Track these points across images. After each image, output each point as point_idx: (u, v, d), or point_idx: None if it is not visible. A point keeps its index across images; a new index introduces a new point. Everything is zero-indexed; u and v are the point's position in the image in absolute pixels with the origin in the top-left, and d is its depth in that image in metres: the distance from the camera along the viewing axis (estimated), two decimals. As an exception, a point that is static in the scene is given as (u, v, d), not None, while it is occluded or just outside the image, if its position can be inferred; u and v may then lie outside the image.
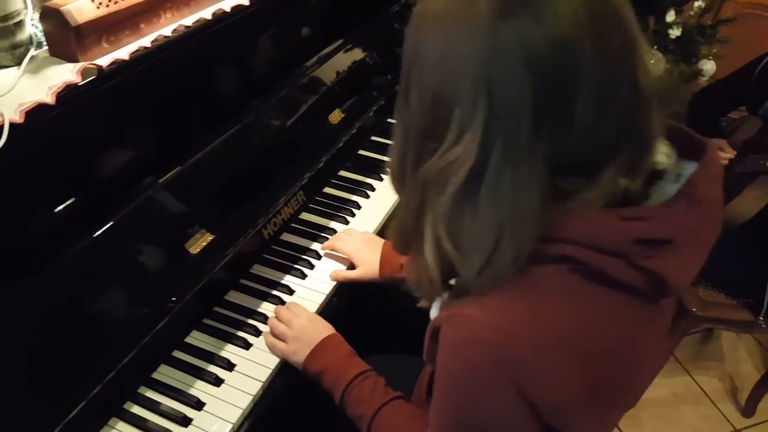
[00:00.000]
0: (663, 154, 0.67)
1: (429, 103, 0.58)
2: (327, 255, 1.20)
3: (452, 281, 0.67)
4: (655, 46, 2.00)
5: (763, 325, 1.60)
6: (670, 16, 1.96)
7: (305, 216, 1.29)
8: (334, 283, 1.14)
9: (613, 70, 0.55)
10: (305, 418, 1.05)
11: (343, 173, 1.40)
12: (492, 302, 0.61)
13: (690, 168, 0.66)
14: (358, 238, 1.18)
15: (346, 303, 1.16)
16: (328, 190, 1.36)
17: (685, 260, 0.62)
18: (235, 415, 0.92)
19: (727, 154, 1.57)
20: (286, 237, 1.23)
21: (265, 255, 1.18)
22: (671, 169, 0.66)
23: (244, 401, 0.94)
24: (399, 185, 0.67)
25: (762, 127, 1.50)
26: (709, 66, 2.14)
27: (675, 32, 2.02)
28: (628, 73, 0.57)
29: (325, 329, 1.01)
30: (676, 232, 0.60)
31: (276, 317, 1.04)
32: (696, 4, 2.13)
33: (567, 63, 0.53)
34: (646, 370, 0.75)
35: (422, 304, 0.75)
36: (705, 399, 1.98)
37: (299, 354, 0.97)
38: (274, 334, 1.02)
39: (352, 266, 1.16)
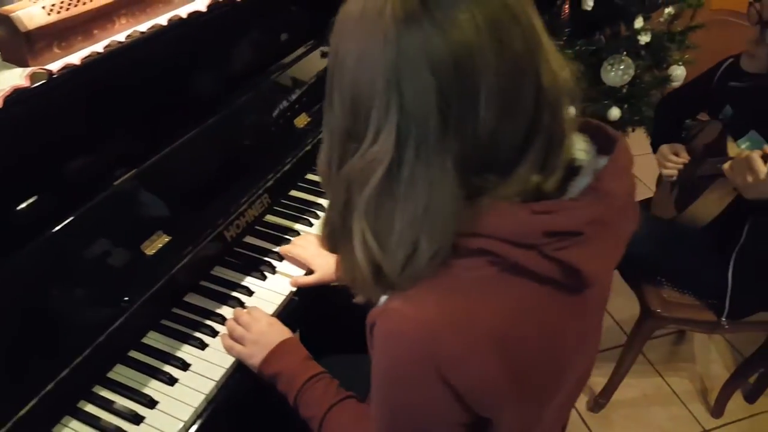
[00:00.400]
0: (582, 151, 0.71)
1: (348, 104, 0.61)
2: (288, 257, 1.22)
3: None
4: (625, 52, 2.03)
5: (726, 326, 1.62)
6: (638, 23, 2.00)
7: (270, 218, 1.30)
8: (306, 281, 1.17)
9: (515, 74, 0.58)
10: (259, 417, 1.07)
11: (309, 176, 1.42)
12: (416, 296, 0.64)
13: (603, 163, 0.69)
14: (314, 242, 1.20)
15: (308, 301, 1.18)
16: (294, 192, 1.38)
17: (595, 251, 0.65)
18: (187, 413, 0.94)
19: (680, 159, 1.60)
20: (250, 239, 1.25)
21: (227, 257, 1.20)
22: (588, 164, 0.69)
23: (197, 400, 0.96)
24: (327, 185, 0.69)
25: (721, 131, 1.53)
26: (679, 71, 2.18)
27: (644, 38, 2.06)
28: (531, 76, 0.59)
29: (283, 333, 1.02)
30: (584, 225, 0.62)
31: (235, 320, 1.05)
32: (666, 11, 2.17)
33: (468, 67, 0.56)
34: (576, 360, 0.76)
35: (358, 300, 0.77)
36: (675, 399, 2.00)
37: (256, 357, 0.99)
38: (232, 336, 1.03)
39: (311, 271, 1.19)
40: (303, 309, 1.17)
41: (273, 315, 1.11)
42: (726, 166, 1.34)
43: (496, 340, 0.62)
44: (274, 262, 1.21)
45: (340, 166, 0.64)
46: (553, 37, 1.88)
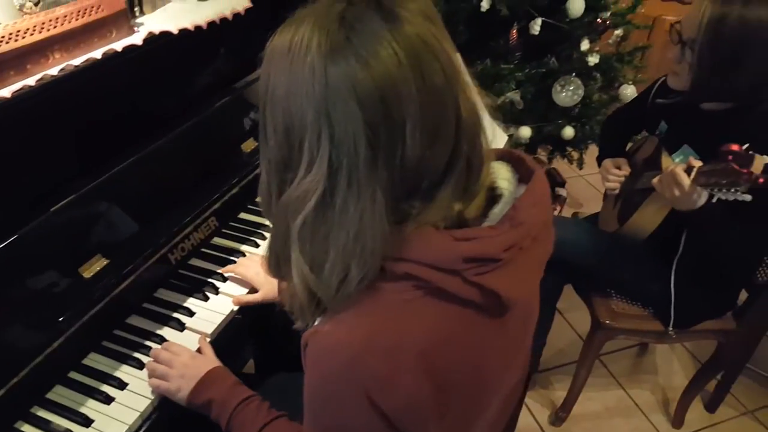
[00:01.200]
0: (505, 180, 0.75)
1: (282, 135, 0.64)
2: (231, 278, 1.26)
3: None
4: (574, 74, 2.11)
5: (674, 336, 1.66)
6: (585, 45, 2.07)
7: (217, 240, 1.35)
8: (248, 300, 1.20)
9: (437, 104, 0.61)
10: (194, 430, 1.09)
11: (258, 198, 1.47)
12: (346, 318, 0.66)
13: (522, 192, 0.73)
14: (258, 261, 1.24)
15: (250, 320, 1.21)
16: (242, 215, 1.43)
17: (513, 276, 0.68)
18: (121, 430, 0.97)
19: (621, 172, 1.65)
20: (195, 261, 1.29)
21: (171, 279, 1.24)
22: (509, 193, 0.73)
23: (131, 417, 0.99)
24: (268, 213, 0.72)
25: (657, 146, 1.58)
26: (628, 90, 2.25)
27: (593, 59, 2.13)
28: (451, 106, 0.63)
29: (208, 363, 1.03)
30: (501, 251, 0.66)
31: (155, 359, 1.06)
32: (615, 32, 2.25)
33: (393, 99, 0.59)
34: (502, 377, 0.80)
35: (298, 325, 0.77)
36: (637, 411, 2.03)
37: (183, 390, 0.99)
38: (154, 375, 1.03)
39: (255, 290, 1.22)
40: (247, 328, 1.21)
41: (213, 333, 1.14)
42: (655, 180, 1.39)
43: (421, 361, 0.65)
44: (218, 283, 1.24)
45: (279, 194, 0.67)
46: (504, 61, 1.95)
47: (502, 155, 0.77)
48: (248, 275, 1.23)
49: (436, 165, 0.64)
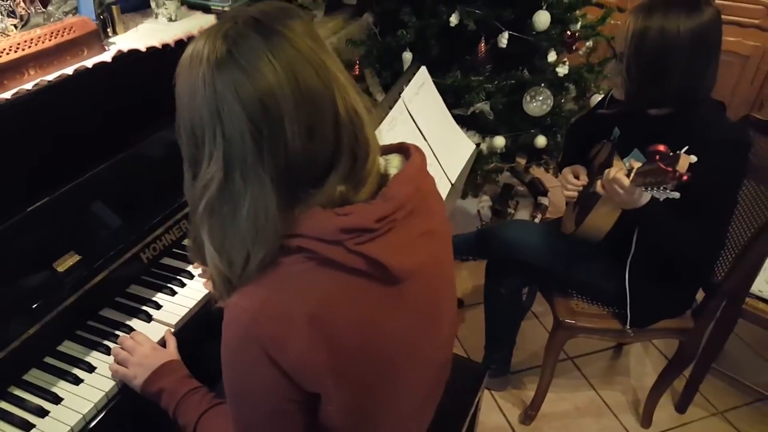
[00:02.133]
0: (395, 168, 0.87)
1: (189, 135, 0.76)
2: (201, 275, 1.36)
3: None
4: (543, 84, 2.20)
5: (632, 334, 1.73)
6: (552, 57, 2.17)
7: (188, 241, 1.45)
8: (200, 297, 1.30)
9: (311, 103, 0.73)
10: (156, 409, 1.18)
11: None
12: (248, 290, 0.77)
13: None
14: None
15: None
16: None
17: (394, 245, 0.79)
18: (87, 407, 1.07)
19: (579, 181, 1.74)
20: (167, 260, 1.40)
21: (143, 276, 1.34)
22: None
23: (97, 396, 1.09)
24: (190, 204, 0.82)
25: (611, 151, 1.67)
26: (599, 100, 2.33)
27: (562, 70, 2.23)
28: (328, 105, 0.75)
29: (166, 356, 1.11)
30: (372, 222, 0.76)
31: (120, 346, 1.14)
32: (586, 44, 2.34)
33: (271, 101, 0.71)
34: (413, 363, 0.89)
35: (219, 304, 0.85)
36: (607, 411, 2.08)
37: (138, 378, 1.08)
38: (116, 360, 1.13)
39: None
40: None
41: (178, 324, 1.24)
42: (598, 185, 1.48)
43: (313, 323, 0.75)
44: (185, 280, 1.35)
45: (194, 186, 0.78)
46: (475, 73, 2.07)
47: (397, 148, 0.88)
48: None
49: (320, 156, 0.75)
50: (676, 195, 1.28)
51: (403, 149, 0.90)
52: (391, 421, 0.92)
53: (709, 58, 1.39)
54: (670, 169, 1.24)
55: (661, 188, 1.29)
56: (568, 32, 2.22)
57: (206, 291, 1.31)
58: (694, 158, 1.26)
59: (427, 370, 0.95)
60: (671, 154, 1.25)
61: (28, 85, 1.10)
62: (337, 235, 0.75)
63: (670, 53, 1.35)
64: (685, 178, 1.23)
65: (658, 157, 1.26)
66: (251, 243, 0.75)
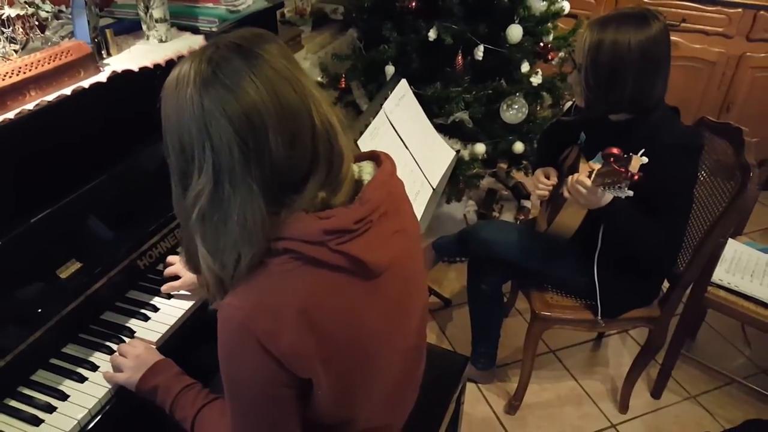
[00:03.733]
0: (368, 174, 0.96)
1: (179, 151, 0.85)
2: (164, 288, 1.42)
3: None
4: (518, 93, 2.31)
5: (603, 324, 1.83)
6: (525, 68, 2.28)
7: (181, 249, 1.54)
8: (194, 300, 1.39)
9: (292, 116, 0.82)
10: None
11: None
12: (240, 291, 0.86)
13: None
14: None
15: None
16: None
17: (371, 244, 0.88)
18: (92, 402, 1.16)
19: (549, 182, 1.84)
20: (162, 267, 1.49)
21: (140, 282, 1.43)
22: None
23: (101, 392, 1.18)
24: (179, 216, 0.91)
25: (578, 155, 1.78)
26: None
27: (536, 80, 2.34)
28: (305, 117, 0.84)
29: (159, 355, 1.18)
30: (351, 223, 0.86)
31: (118, 352, 1.21)
32: (559, 54, 2.46)
33: (255, 115, 0.80)
34: (389, 339, 0.98)
35: (213, 306, 0.94)
36: (587, 399, 2.19)
37: (133, 377, 1.14)
38: (113, 366, 1.19)
39: None
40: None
41: (174, 326, 1.33)
42: (564, 190, 1.58)
43: (302, 317, 0.84)
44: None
45: (184, 198, 0.86)
46: (454, 84, 2.20)
47: (369, 156, 0.98)
48: (175, 269, 1.40)
49: (301, 164, 0.84)
50: (630, 193, 1.39)
51: (374, 157, 1.00)
52: (371, 402, 1.02)
53: (659, 67, 1.50)
54: (623, 169, 1.35)
55: (617, 187, 1.39)
56: (541, 44, 2.33)
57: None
58: (645, 159, 1.37)
59: (400, 353, 1.04)
60: (624, 156, 1.35)
61: (30, 106, 1.19)
62: (320, 236, 0.84)
63: (622, 64, 1.46)
64: (636, 177, 1.34)
65: (612, 159, 1.37)
66: (242, 245, 0.83)
